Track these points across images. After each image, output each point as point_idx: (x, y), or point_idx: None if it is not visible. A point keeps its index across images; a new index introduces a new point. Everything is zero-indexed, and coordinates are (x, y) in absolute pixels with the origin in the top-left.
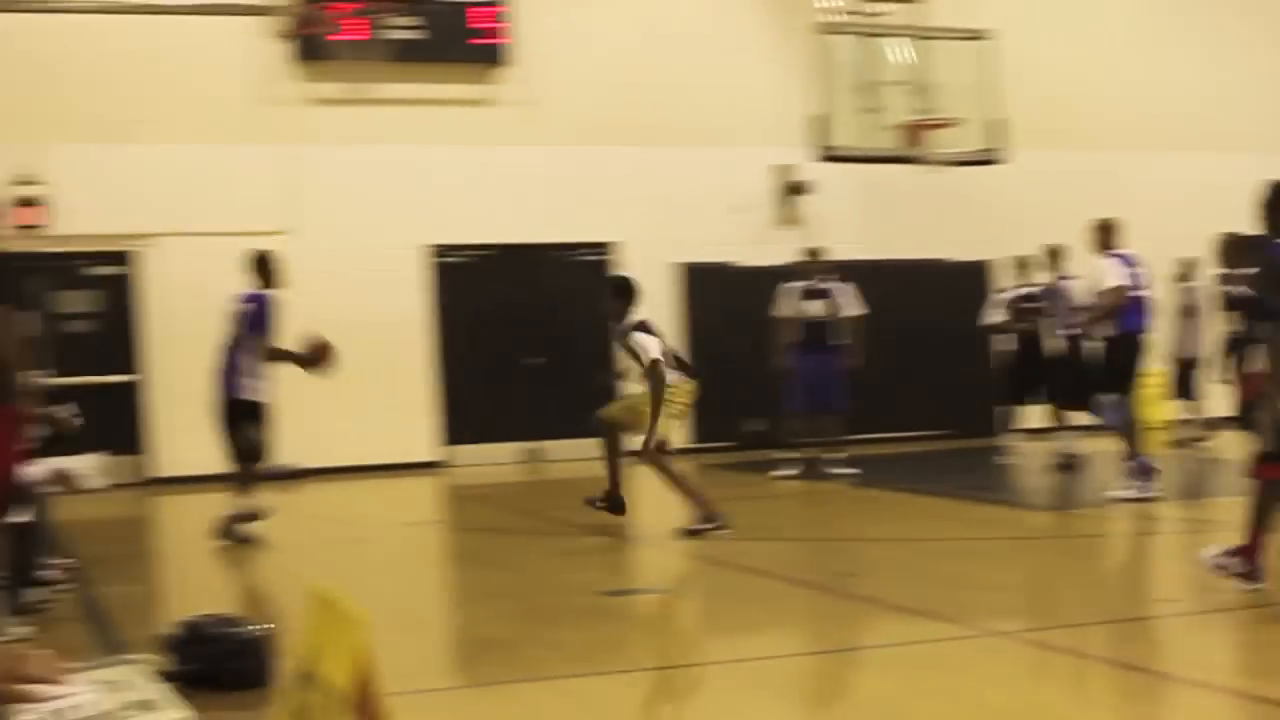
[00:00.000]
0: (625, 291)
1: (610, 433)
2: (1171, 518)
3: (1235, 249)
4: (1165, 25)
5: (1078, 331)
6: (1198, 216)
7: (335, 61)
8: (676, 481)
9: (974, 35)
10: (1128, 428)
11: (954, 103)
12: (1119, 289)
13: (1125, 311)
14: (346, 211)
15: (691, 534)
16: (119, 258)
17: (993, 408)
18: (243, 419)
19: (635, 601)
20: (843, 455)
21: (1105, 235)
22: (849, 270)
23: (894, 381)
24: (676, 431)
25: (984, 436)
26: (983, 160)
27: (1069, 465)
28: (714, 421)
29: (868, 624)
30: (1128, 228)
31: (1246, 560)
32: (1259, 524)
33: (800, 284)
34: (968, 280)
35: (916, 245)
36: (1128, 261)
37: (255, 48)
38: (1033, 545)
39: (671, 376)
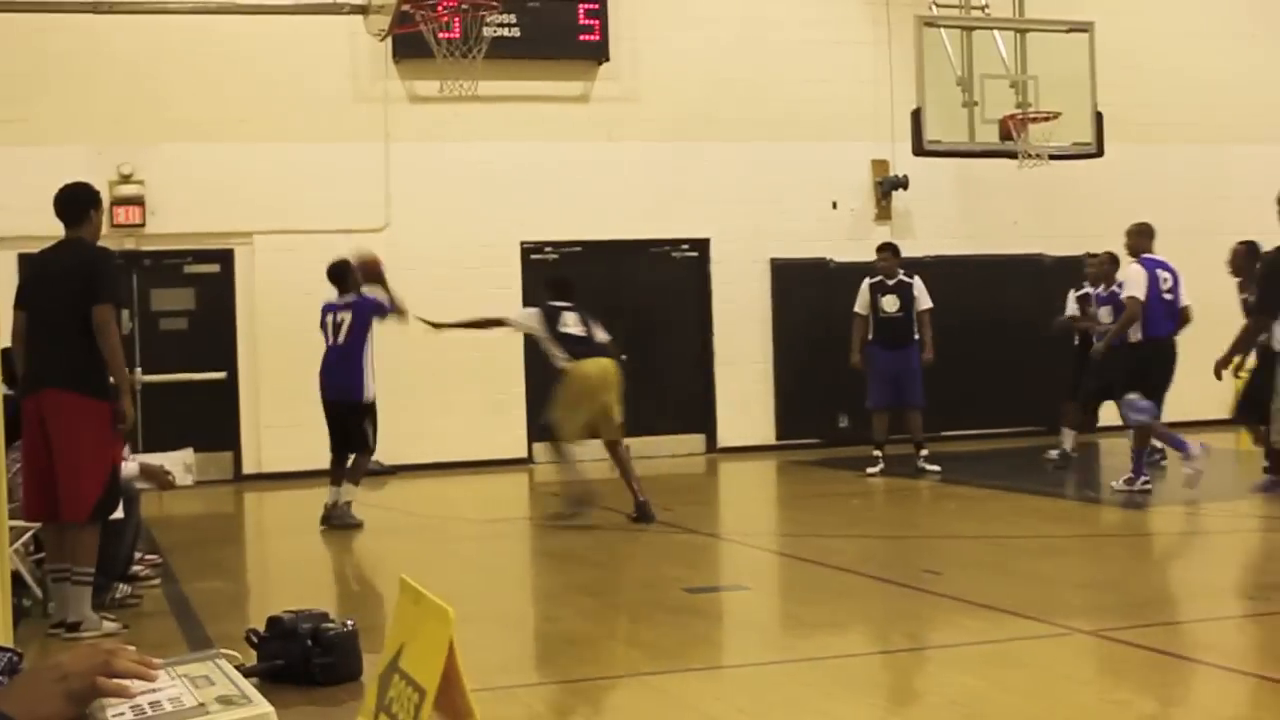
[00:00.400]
0: (551, 284)
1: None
2: (1255, 514)
3: (1245, 258)
4: (1269, 15)
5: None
6: None
7: (433, 59)
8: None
9: (1074, 27)
10: (1145, 428)
11: (1053, 96)
12: (1134, 300)
13: (1151, 318)
14: (441, 209)
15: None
16: (216, 256)
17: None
18: (359, 416)
19: (719, 598)
20: (926, 452)
21: (1139, 240)
22: (943, 265)
23: (985, 377)
24: (592, 415)
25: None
26: (1081, 154)
27: (1062, 465)
28: (804, 418)
29: (951, 621)
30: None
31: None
32: None
33: (879, 280)
34: (1065, 275)
35: (1013, 240)
36: (1160, 266)
37: (353, 46)
38: (1116, 542)
39: (562, 361)
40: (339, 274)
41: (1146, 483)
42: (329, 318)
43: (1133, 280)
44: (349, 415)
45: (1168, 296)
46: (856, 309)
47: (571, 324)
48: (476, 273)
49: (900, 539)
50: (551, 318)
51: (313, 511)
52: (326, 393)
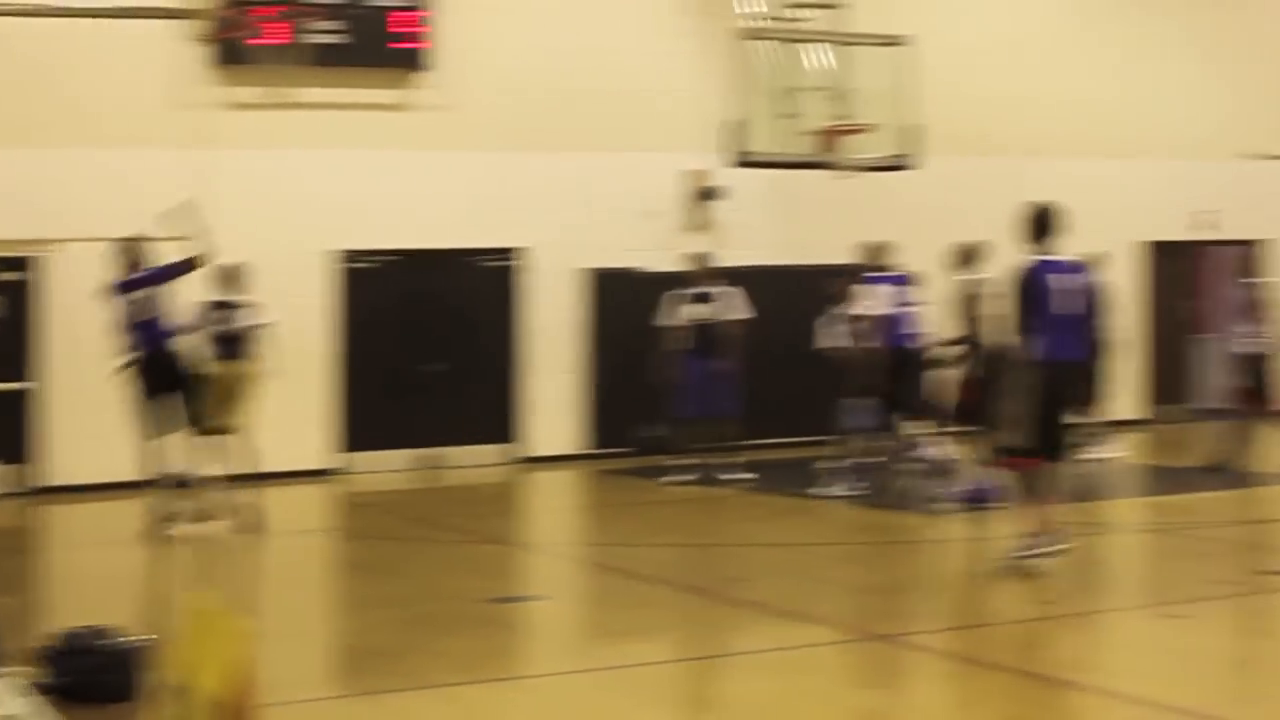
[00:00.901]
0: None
1: None
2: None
3: (966, 256)
4: (1079, 32)
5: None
6: (1108, 222)
7: (253, 66)
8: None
9: (891, 41)
10: (860, 433)
11: (869, 108)
12: (859, 317)
13: (885, 329)
14: (259, 217)
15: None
16: (20, 263)
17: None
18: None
19: (523, 608)
20: (739, 460)
21: (873, 256)
22: (759, 275)
23: (800, 385)
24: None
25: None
26: (896, 166)
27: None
28: (615, 427)
29: (750, 628)
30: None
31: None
32: (1033, 501)
33: (689, 290)
34: None
35: (829, 251)
36: (896, 281)
37: (171, 52)
38: (917, 549)
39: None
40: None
41: (867, 488)
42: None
43: (863, 297)
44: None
45: (904, 309)
46: (668, 320)
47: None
48: (294, 282)
49: (706, 547)
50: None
51: (111, 524)
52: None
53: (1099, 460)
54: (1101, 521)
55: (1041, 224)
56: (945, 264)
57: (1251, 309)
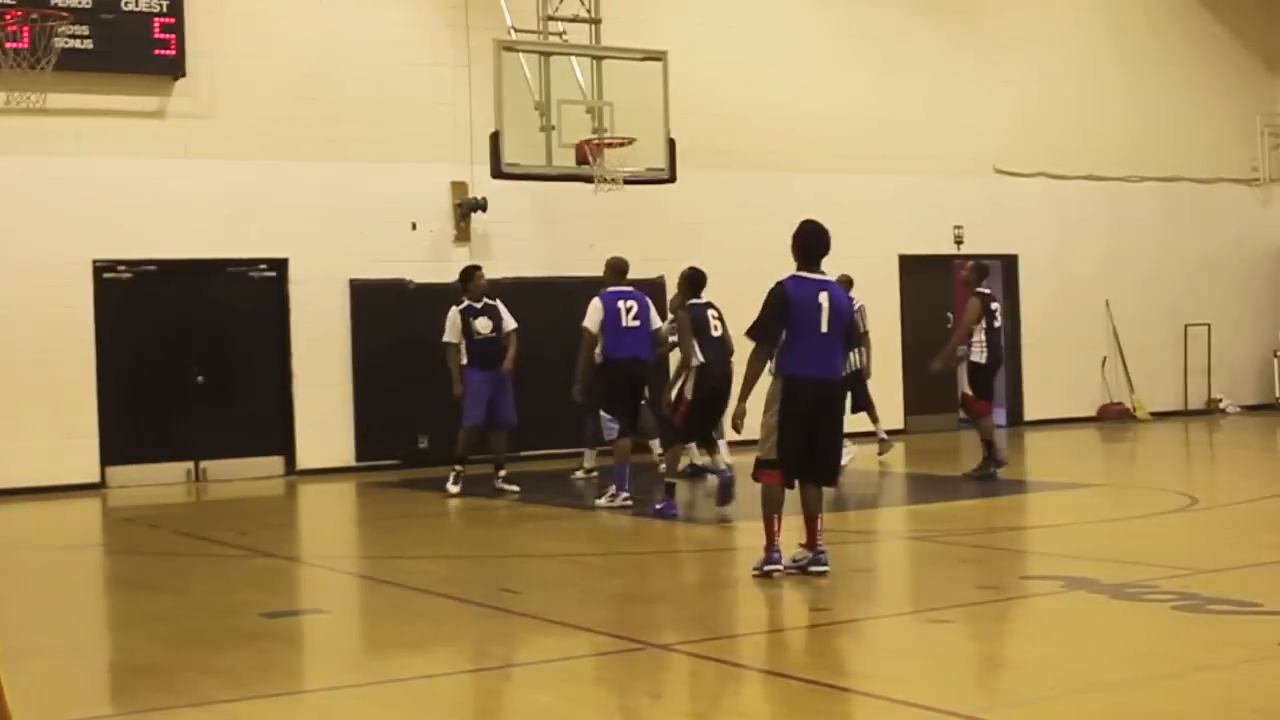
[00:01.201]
0: None
1: None
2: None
3: (690, 283)
4: (835, 51)
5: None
6: (864, 236)
7: (4, 72)
8: None
9: (649, 56)
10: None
11: (628, 122)
12: (586, 329)
13: (610, 343)
14: (7, 226)
15: None
16: None
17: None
18: None
19: (298, 622)
20: (504, 472)
21: (608, 273)
22: (521, 287)
23: (564, 397)
24: None
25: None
26: (654, 179)
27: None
28: (384, 439)
29: (529, 639)
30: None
31: (766, 550)
32: (766, 518)
33: (466, 304)
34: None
35: (590, 263)
36: (623, 297)
37: None
38: (694, 558)
39: None
40: None
41: (628, 498)
42: None
43: (591, 311)
44: None
45: (633, 324)
46: (448, 338)
47: None
48: (45, 292)
49: (479, 559)
50: None
51: None
52: None
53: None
54: (868, 530)
55: (804, 242)
56: (678, 289)
57: (980, 319)
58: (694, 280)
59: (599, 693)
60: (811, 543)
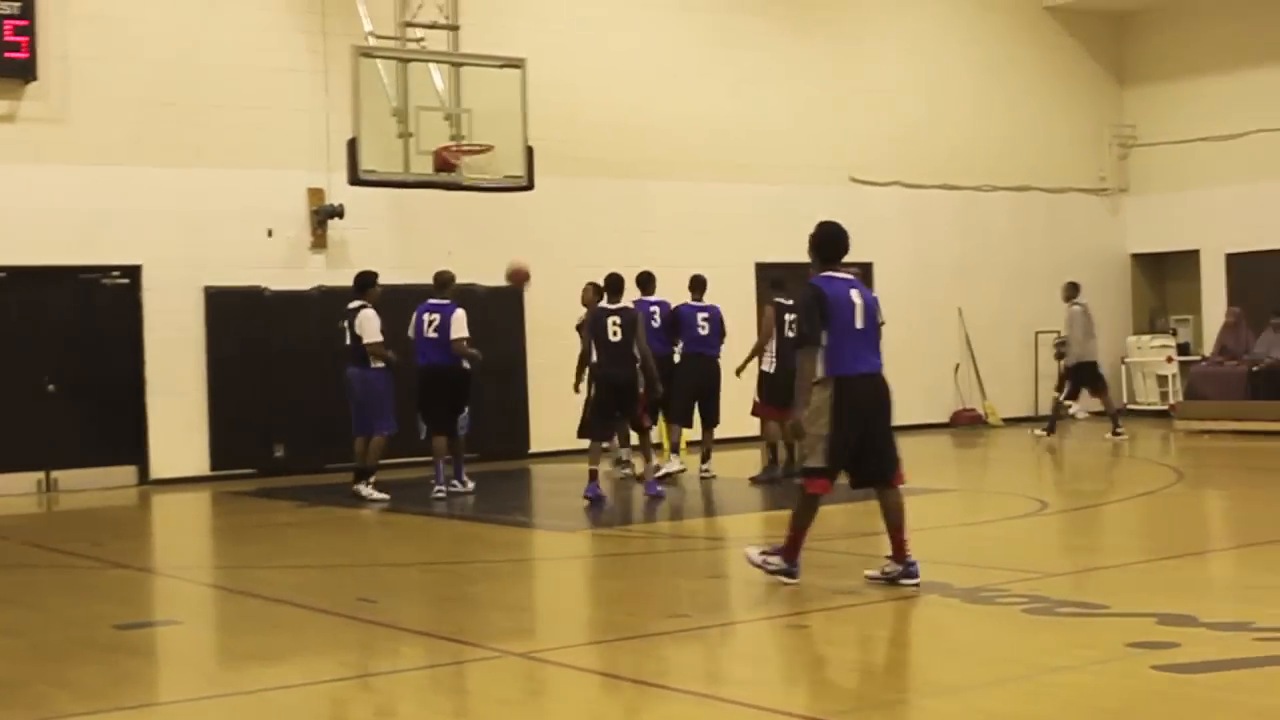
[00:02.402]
0: None
1: None
2: (691, 535)
3: (599, 289)
4: (693, 59)
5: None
6: (720, 243)
7: None
8: None
9: (507, 63)
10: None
11: (486, 129)
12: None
13: (420, 349)
14: None
15: None
16: None
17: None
18: None
19: (151, 634)
20: (370, 480)
21: (435, 281)
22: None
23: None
24: None
25: (521, 458)
26: (512, 187)
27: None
28: (239, 448)
29: (387, 649)
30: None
31: (787, 558)
32: (798, 528)
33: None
34: (500, 304)
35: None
36: (430, 309)
37: None
38: (553, 566)
39: None
40: None
41: (441, 491)
42: None
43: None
44: None
45: (432, 335)
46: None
47: None
48: None
49: (336, 568)
50: None
51: None
52: None
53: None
54: (720, 536)
55: (822, 243)
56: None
57: (773, 330)
58: (609, 286)
59: (457, 701)
60: (899, 554)
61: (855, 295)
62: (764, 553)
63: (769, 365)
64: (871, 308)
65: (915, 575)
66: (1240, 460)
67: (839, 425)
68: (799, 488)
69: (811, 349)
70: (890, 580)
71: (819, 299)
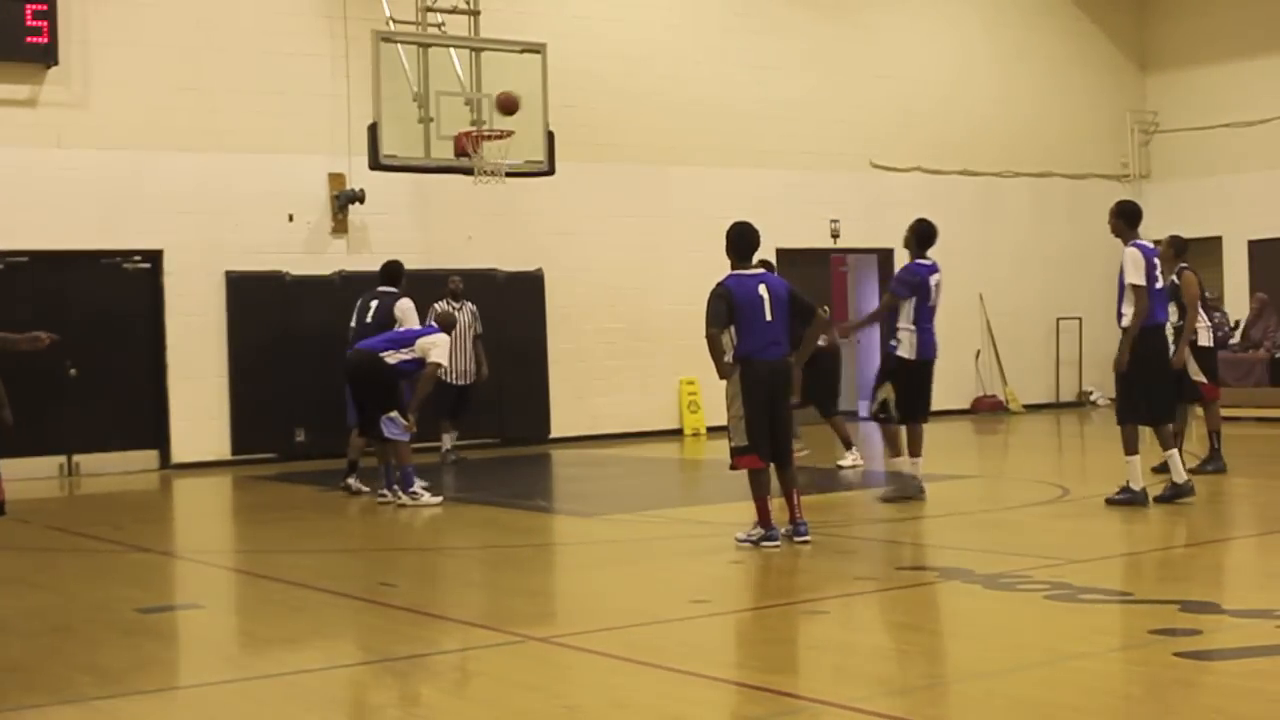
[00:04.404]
0: None
1: None
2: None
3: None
4: (712, 45)
5: None
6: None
7: None
8: None
9: (528, 48)
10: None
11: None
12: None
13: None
14: None
15: None
16: None
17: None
18: None
19: (173, 618)
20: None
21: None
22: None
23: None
24: None
25: (541, 444)
26: (533, 172)
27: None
28: (261, 433)
29: (408, 633)
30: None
31: (763, 525)
32: (758, 497)
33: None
34: (519, 290)
35: (469, 255)
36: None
37: None
38: (574, 550)
39: None
40: None
41: (414, 491)
42: None
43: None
44: None
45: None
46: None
47: None
48: None
49: (357, 552)
50: None
51: None
52: None
53: None
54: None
55: (735, 242)
56: None
57: None
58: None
59: (479, 685)
60: (792, 516)
61: (763, 290)
62: (748, 532)
63: None
64: (781, 299)
65: (805, 534)
66: (1262, 448)
67: (751, 406)
68: (730, 467)
69: (715, 335)
70: (755, 543)
71: (724, 296)
